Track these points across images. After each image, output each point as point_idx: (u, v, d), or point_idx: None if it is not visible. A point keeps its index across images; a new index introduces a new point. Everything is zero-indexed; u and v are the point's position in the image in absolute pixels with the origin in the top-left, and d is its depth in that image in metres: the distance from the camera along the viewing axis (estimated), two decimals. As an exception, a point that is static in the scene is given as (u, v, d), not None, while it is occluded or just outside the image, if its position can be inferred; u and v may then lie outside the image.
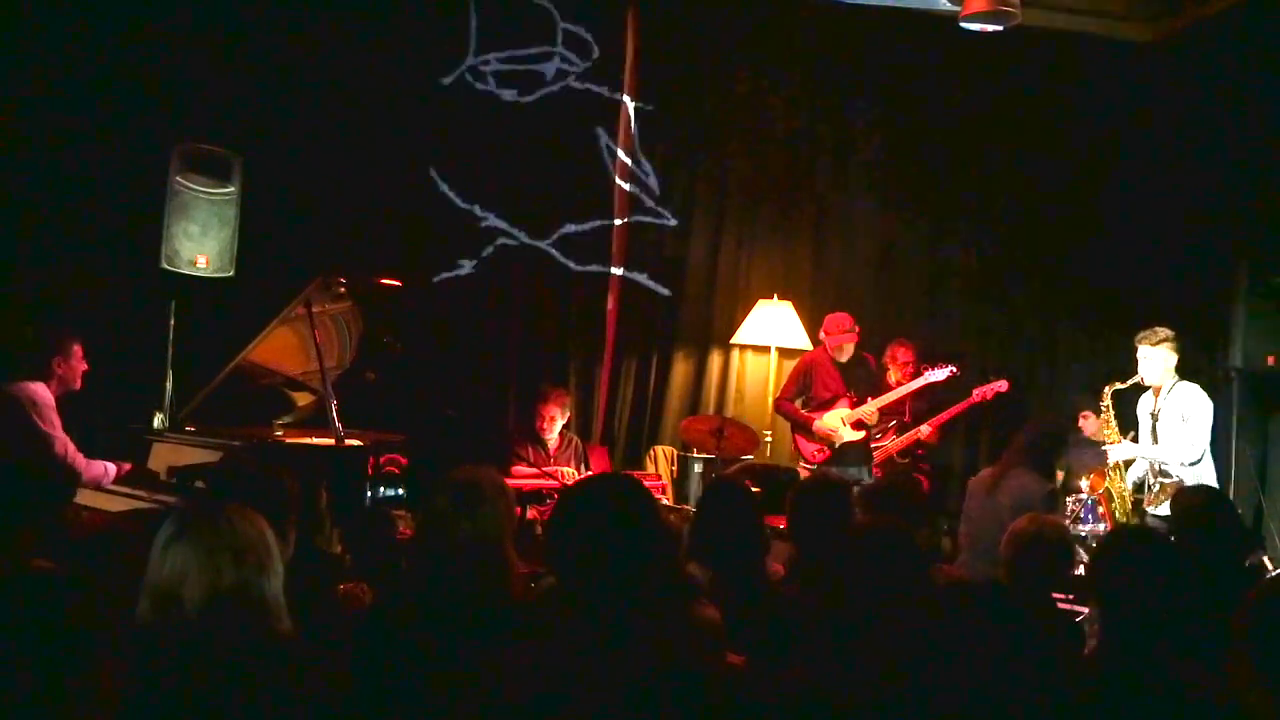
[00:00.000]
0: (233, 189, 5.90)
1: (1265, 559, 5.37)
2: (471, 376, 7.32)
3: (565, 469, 6.54)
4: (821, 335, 7.00)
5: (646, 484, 2.48)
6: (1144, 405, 5.80)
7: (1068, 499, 6.07)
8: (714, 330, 7.80)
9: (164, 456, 4.98)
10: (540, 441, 6.72)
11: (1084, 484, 5.96)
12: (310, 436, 5.18)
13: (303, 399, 5.55)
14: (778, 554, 3.86)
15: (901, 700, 2.03)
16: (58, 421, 4.80)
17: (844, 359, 6.88)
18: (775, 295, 7.49)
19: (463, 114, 7.17)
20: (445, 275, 7.17)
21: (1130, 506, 5.78)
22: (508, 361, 7.44)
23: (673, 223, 7.66)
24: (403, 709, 2.47)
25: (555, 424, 6.72)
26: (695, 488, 7.00)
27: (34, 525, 4.33)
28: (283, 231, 6.42)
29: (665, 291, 7.68)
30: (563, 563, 2.16)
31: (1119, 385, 5.85)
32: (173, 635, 2.13)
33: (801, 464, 6.90)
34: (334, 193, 6.67)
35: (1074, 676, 2.45)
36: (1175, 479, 5.56)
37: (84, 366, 4.99)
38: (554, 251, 7.43)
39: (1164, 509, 5.31)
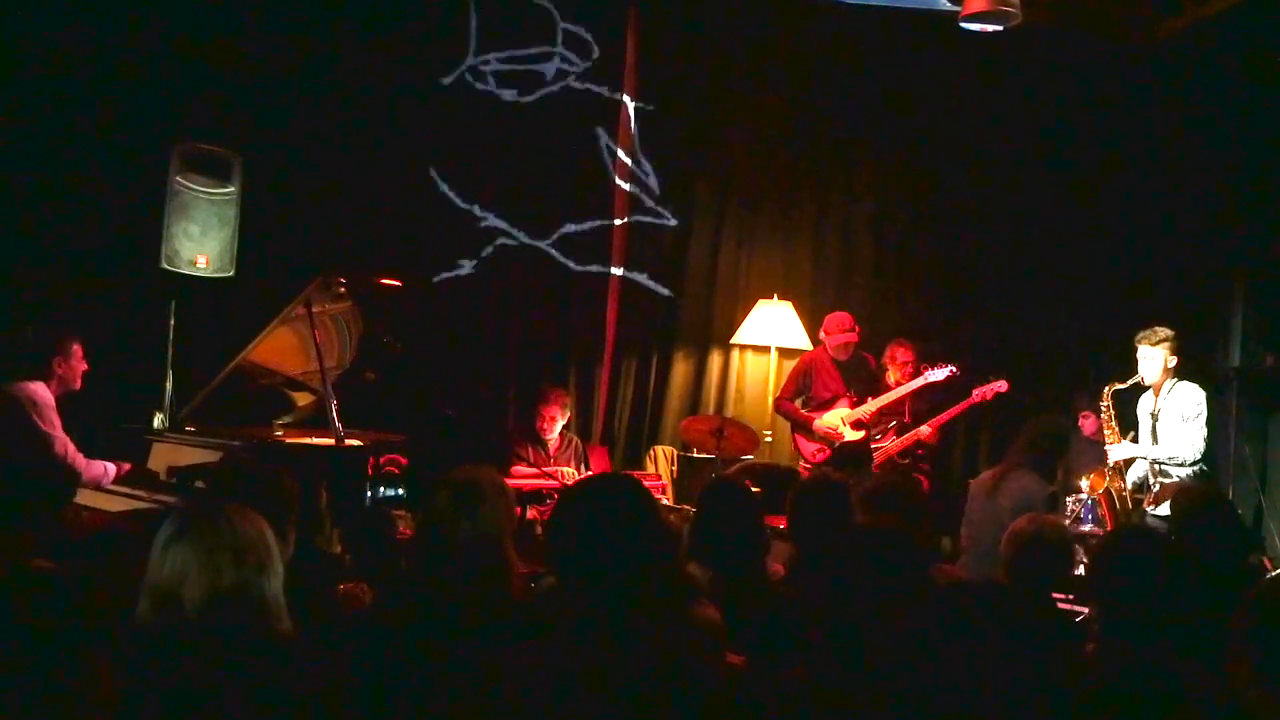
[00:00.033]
0: (233, 189, 5.90)
1: (1265, 559, 5.37)
2: (471, 376, 7.32)
3: (565, 469, 6.54)
4: (821, 335, 7.01)
5: (646, 484, 2.48)
6: (1144, 405, 5.81)
7: (1068, 499, 6.07)
8: (714, 330, 7.79)
9: (164, 456, 4.97)
10: (540, 441, 6.72)
11: (1084, 484, 5.96)
12: (310, 436, 5.18)
13: (303, 399, 5.55)
14: (778, 554, 3.86)
15: (901, 700, 2.03)
16: (58, 421, 4.79)
17: (844, 359, 6.89)
18: (775, 295, 7.48)
19: (463, 114, 7.16)
20: (445, 275, 7.17)
21: (1130, 506, 5.78)
22: (508, 361, 7.44)
23: (673, 223, 7.66)
24: (403, 709, 2.47)
25: (555, 424, 6.73)
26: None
27: (34, 525, 4.34)
28: (283, 231, 6.41)
29: (665, 291, 7.68)
30: (563, 563, 2.16)
31: (1119, 385, 5.85)
32: (173, 635, 2.13)
33: (801, 464, 6.91)
34: (334, 193, 6.67)
35: (1074, 676, 2.45)
36: (1175, 479, 5.56)
37: (84, 366, 4.99)
38: (554, 251, 7.42)
39: (1164, 509, 5.31)
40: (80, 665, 2.03)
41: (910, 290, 7.99)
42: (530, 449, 6.62)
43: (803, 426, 6.88)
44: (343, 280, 5.26)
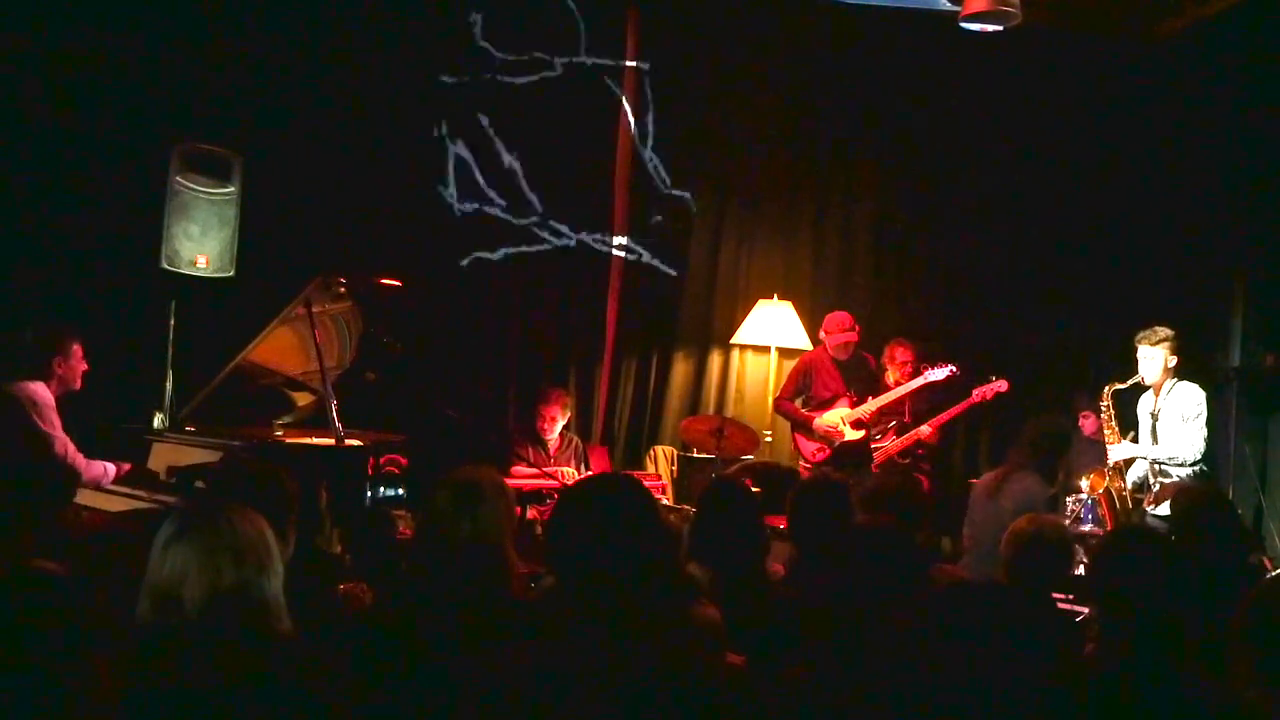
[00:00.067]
0: (233, 189, 5.90)
1: (1265, 559, 5.37)
2: (471, 376, 7.32)
3: (565, 469, 6.54)
4: (821, 335, 7.01)
5: (646, 484, 2.48)
6: (1144, 405, 5.81)
7: (1068, 499, 6.07)
8: (714, 330, 7.80)
9: (164, 456, 4.97)
10: (540, 442, 6.72)
11: (1084, 484, 5.96)
12: (310, 436, 5.17)
13: (303, 399, 5.55)
14: (778, 554, 3.86)
15: (901, 700, 2.03)
16: (58, 421, 4.79)
17: (844, 358, 6.89)
18: (775, 295, 7.49)
19: (463, 114, 7.17)
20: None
21: (1130, 506, 5.78)
22: (508, 361, 7.44)
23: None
24: (403, 709, 2.47)
25: (556, 424, 6.73)
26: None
27: (34, 525, 4.34)
28: (283, 231, 6.41)
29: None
30: (563, 563, 2.16)
31: (1119, 385, 5.85)
32: (173, 635, 2.13)
33: (801, 463, 6.91)
34: (334, 193, 6.67)
35: (1074, 676, 2.45)
36: (1175, 479, 5.56)
37: (84, 366, 4.99)
38: (554, 251, 7.42)
39: (1164, 509, 5.31)
40: (80, 665, 2.03)
41: (910, 290, 7.99)
42: (530, 449, 6.62)
43: (803, 426, 6.88)
44: (343, 280, 5.26)
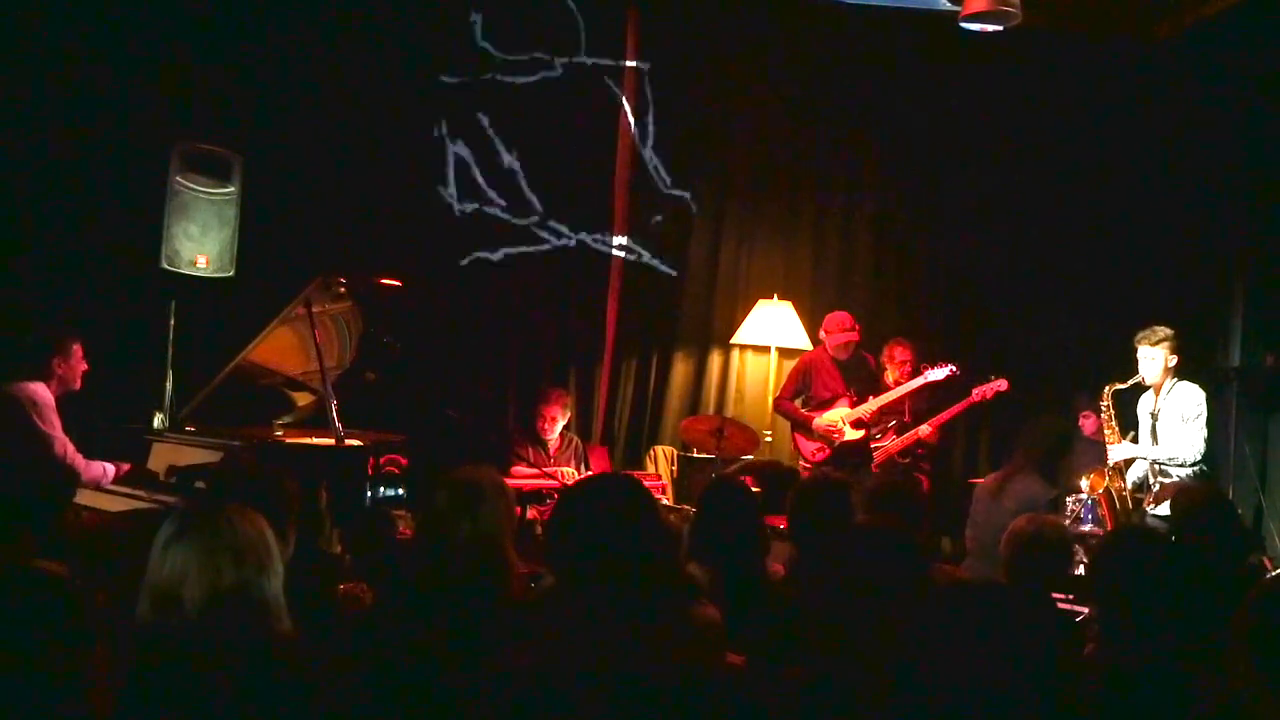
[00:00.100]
0: (233, 189, 5.90)
1: (1265, 559, 5.36)
2: (471, 376, 7.32)
3: (565, 469, 6.54)
4: (821, 335, 7.00)
5: (646, 484, 2.48)
6: (1144, 405, 5.81)
7: (1068, 499, 6.07)
8: (714, 330, 7.79)
9: (164, 456, 4.97)
10: (540, 442, 6.72)
11: (1084, 484, 5.96)
12: (310, 436, 5.18)
13: (303, 399, 5.55)
14: (778, 554, 3.86)
15: (901, 700, 2.03)
16: (57, 422, 4.80)
17: (844, 358, 6.89)
18: (775, 295, 7.49)
19: (463, 114, 7.17)
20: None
21: (1130, 506, 5.78)
22: (508, 361, 7.44)
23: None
24: (403, 709, 2.47)
25: (556, 424, 6.73)
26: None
27: (34, 525, 4.34)
28: (283, 231, 6.42)
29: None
30: (563, 563, 2.16)
31: (1119, 385, 5.85)
32: (173, 635, 2.13)
33: (801, 463, 6.91)
34: (334, 193, 6.67)
35: (1074, 676, 2.45)
36: (1175, 479, 5.56)
37: (84, 366, 4.99)
38: (554, 251, 7.42)
39: (1164, 509, 5.31)
40: (80, 665, 2.03)
41: (910, 290, 7.99)
42: (530, 449, 6.62)
43: (802, 426, 6.88)
44: (343, 280, 5.26)
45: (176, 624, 2.13)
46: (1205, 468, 5.66)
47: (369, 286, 5.47)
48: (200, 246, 5.81)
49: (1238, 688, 2.18)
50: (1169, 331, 5.63)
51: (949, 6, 6.49)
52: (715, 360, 7.82)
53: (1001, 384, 6.70)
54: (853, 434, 6.73)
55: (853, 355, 6.93)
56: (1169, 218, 7.52)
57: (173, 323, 5.84)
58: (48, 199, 6.12)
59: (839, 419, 6.74)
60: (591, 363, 7.57)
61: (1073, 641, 3.13)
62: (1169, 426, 5.65)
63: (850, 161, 7.91)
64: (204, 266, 5.81)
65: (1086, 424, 7.04)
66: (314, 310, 5.06)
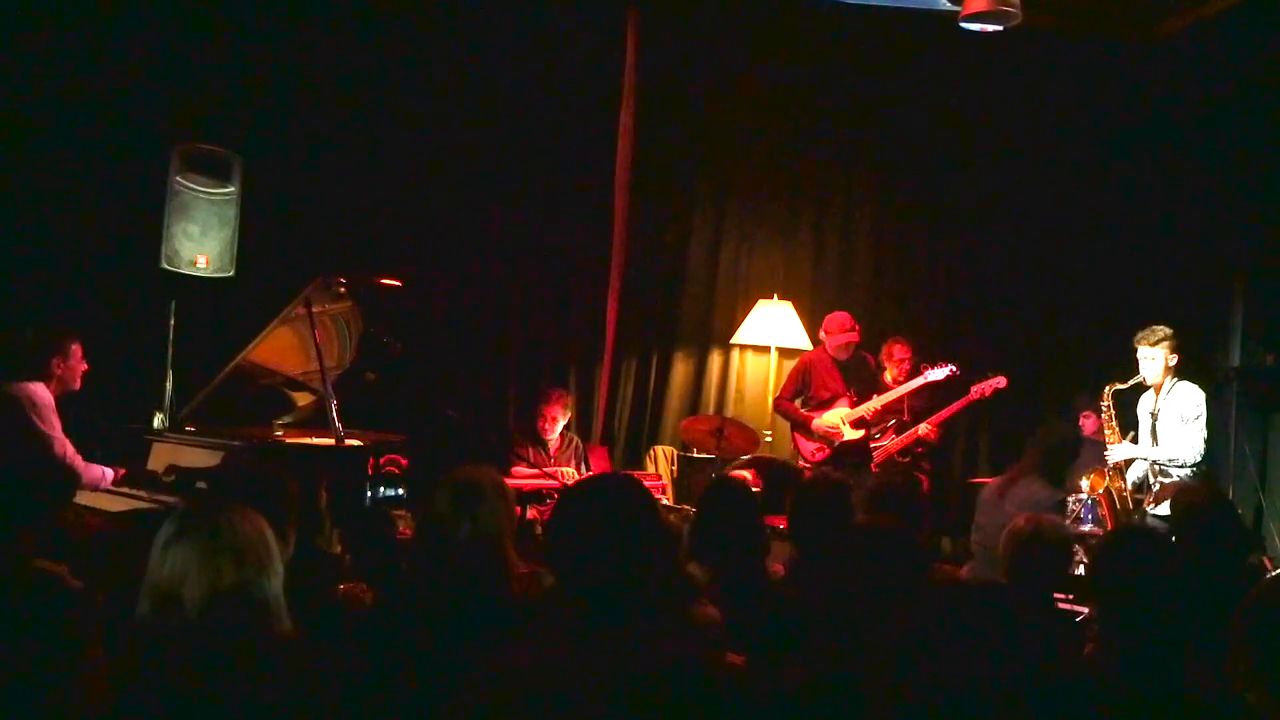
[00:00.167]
0: (233, 189, 5.89)
1: (1265, 559, 5.37)
2: (471, 376, 7.32)
3: (565, 469, 6.55)
4: (821, 335, 7.01)
5: (646, 484, 2.48)
6: (1144, 405, 5.81)
7: (1068, 499, 6.06)
8: (714, 330, 7.80)
9: (164, 456, 4.97)
10: (541, 442, 6.72)
11: (1084, 484, 5.96)
12: (310, 436, 5.17)
13: (303, 399, 5.55)
14: (778, 554, 3.86)
15: (901, 700, 2.03)
16: (57, 422, 4.79)
17: (844, 359, 6.89)
18: (775, 295, 7.49)
19: (463, 113, 7.16)
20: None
21: (1130, 506, 5.78)
22: (508, 361, 7.44)
23: (671, 222, 7.67)
24: (403, 709, 2.47)
25: (556, 424, 6.73)
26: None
27: (33, 526, 4.34)
28: (283, 231, 6.41)
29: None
30: (563, 563, 2.16)
31: (1119, 385, 5.85)
32: (173, 635, 2.13)
33: (801, 463, 6.91)
34: (334, 193, 6.67)
35: (1074, 676, 2.45)
36: (1175, 479, 5.56)
37: (84, 366, 4.99)
38: (554, 251, 7.42)
39: (1164, 509, 5.31)
40: (80, 665, 2.03)
41: (910, 290, 7.99)
42: (531, 449, 6.62)
43: (802, 426, 6.88)
44: (343, 280, 5.25)
45: (176, 624, 2.13)
46: (1205, 467, 5.66)
47: (369, 286, 5.46)
48: (200, 246, 5.80)
49: (1238, 688, 2.18)
50: (1168, 331, 5.63)
51: (949, 6, 6.48)
52: (715, 360, 7.82)
53: (1000, 381, 6.70)
54: (852, 434, 6.73)
55: (853, 355, 6.93)
56: (1169, 218, 7.52)
57: (173, 323, 5.84)
58: (48, 199, 6.12)
59: (838, 419, 6.74)
60: (591, 363, 7.57)
61: (1073, 641, 3.13)
62: (1169, 427, 5.65)
63: (850, 161, 7.91)
64: (204, 266, 5.81)
65: (1087, 424, 7.04)
66: (314, 310, 5.05)
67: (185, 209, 5.78)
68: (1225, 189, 7.39)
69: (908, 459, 6.86)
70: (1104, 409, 5.91)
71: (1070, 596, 3.83)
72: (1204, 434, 5.61)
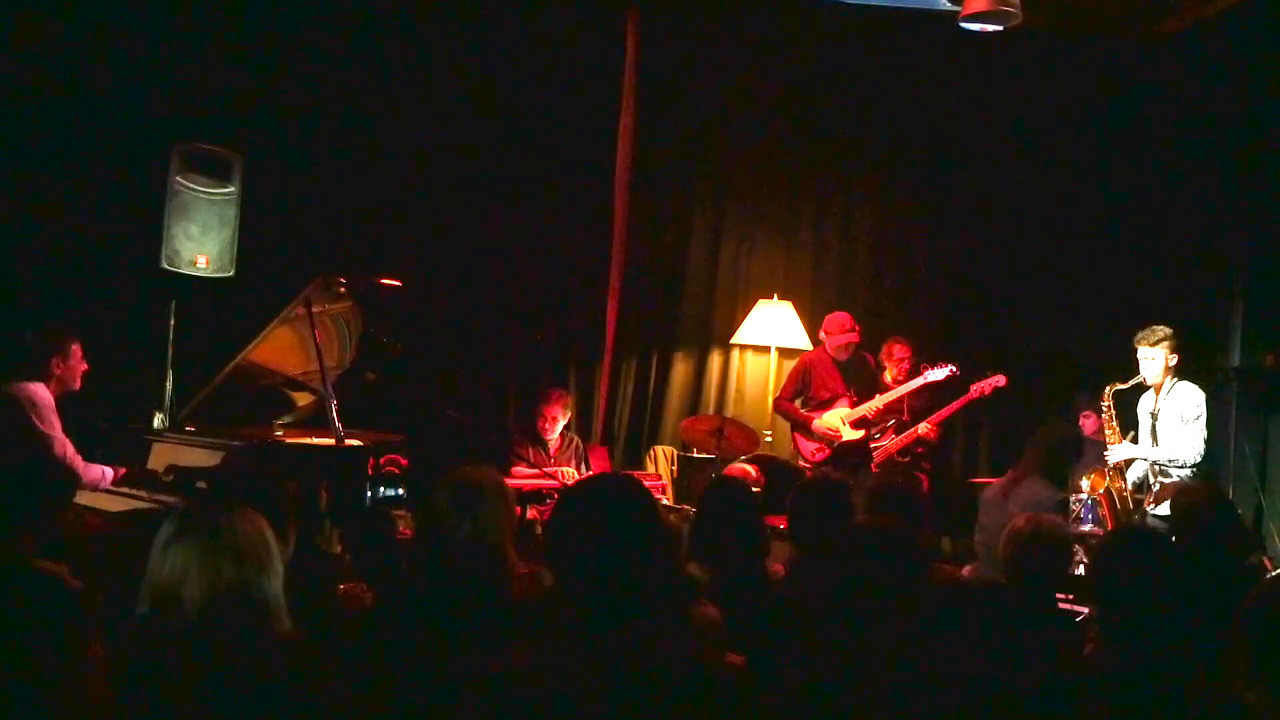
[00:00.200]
0: (233, 189, 5.89)
1: (1265, 559, 5.36)
2: (471, 376, 7.32)
3: (565, 469, 6.54)
4: (821, 335, 7.01)
5: (646, 484, 2.48)
6: (1144, 405, 5.81)
7: (1070, 499, 6.06)
8: (714, 330, 7.80)
9: (164, 456, 4.97)
10: (541, 442, 6.72)
11: (1084, 484, 5.96)
12: (310, 436, 5.17)
13: (303, 399, 5.54)
14: (778, 554, 3.86)
15: (901, 700, 2.03)
16: (57, 423, 4.79)
17: (844, 359, 6.89)
18: (775, 295, 7.49)
19: (463, 113, 7.16)
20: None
21: (1130, 506, 5.78)
22: (508, 361, 7.44)
23: (671, 222, 7.67)
24: (403, 709, 2.47)
25: (557, 424, 6.73)
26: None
27: (33, 526, 4.34)
28: (283, 231, 6.41)
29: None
30: (563, 563, 2.16)
31: (1119, 385, 5.85)
32: (173, 635, 2.13)
33: (801, 463, 6.91)
34: (334, 193, 6.67)
35: (1074, 676, 2.45)
36: (1175, 479, 5.56)
37: (83, 366, 4.99)
38: (554, 251, 7.42)
39: (1164, 509, 5.31)
40: (80, 665, 2.03)
41: (910, 290, 7.99)
42: (531, 449, 6.62)
43: (802, 426, 6.88)
44: (343, 280, 5.25)
45: (176, 624, 2.13)
46: (1206, 466, 5.66)
47: (369, 286, 5.46)
48: (200, 246, 5.80)
49: (1238, 688, 2.18)
50: (1168, 331, 5.63)
51: (949, 6, 6.48)
52: (715, 360, 7.82)
53: (999, 379, 6.70)
54: (851, 434, 6.73)
55: (853, 356, 6.93)
56: (1169, 217, 7.52)
57: (173, 323, 5.84)
58: (48, 199, 6.12)
59: (838, 420, 6.74)
60: (591, 363, 7.57)
61: (1073, 641, 3.14)
62: (1168, 427, 5.65)
63: (850, 161, 7.91)
64: (204, 266, 5.81)
65: (1087, 424, 7.04)
66: (314, 310, 5.05)
67: (185, 209, 5.78)
68: (1225, 189, 7.38)
69: (908, 459, 6.86)
70: (1104, 409, 5.91)
71: (1070, 596, 3.83)
72: (1204, 434, 5.61)
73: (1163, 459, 5.64)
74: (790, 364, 7.25)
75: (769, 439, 7.23)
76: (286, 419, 5.52)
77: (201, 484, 4.46)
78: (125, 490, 4.83)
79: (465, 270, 7.24)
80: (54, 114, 6.12)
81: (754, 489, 5.36)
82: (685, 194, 7.74)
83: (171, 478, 4.79)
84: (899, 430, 6.85)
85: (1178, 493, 4.69)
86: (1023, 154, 7.76)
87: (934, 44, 7.29)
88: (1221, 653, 2.29)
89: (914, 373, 6.80)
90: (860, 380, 6.90)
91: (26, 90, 6.09)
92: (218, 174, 5.85)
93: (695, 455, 7.20)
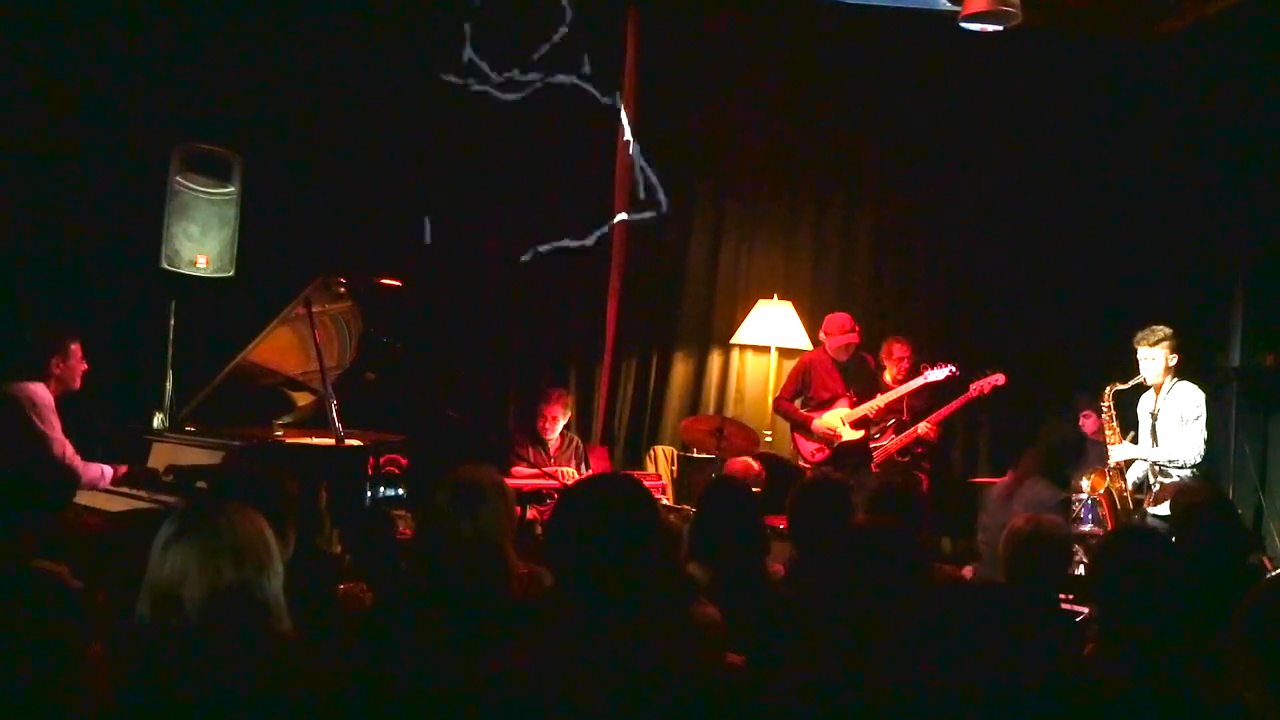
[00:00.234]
0: (233, 189, 5.90)
1: (1265, 559, 5.36)
2: (471, 376, 7.32)
3: (565, 469, 6.54)
4: (821, 335, 7.01)
5: (646, 484, 2.48)
6: (1144, 405, 5.81)
7: (1071, 498, 6.07)
8: (714, 330, 7.80)
9: (164, 456, 4.97)
10: (541, 441, 6.72)
11: (1084, 484, 5.96)
12: (310, 436, 5.17)
13: (303, 399, 5.55)
14: (778, 554, 3.86)
15: (901, 700, 2.03)
16: (57, 423, 4.79)
17: (844, 359, 6.89)
18: (775, 295, 7.49)
19: (462, 114, 7.16)
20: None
21: (1130, 506, 5.78)
22: (508, 361, 7.44)
23: (671, 222, 7.67)
24: (403, 709, 2.47)
25: (556, 424, 6.73)
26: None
27: (33, 526, 4.35)
28: (283, 231, 6.42)
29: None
30: (563, 563, 2.16)
31: (1120, 386, 5.85)
32: (173, 635, 2.13)
33: (801, 463, 6.91)
34: (334, 193, 6.67)
35: (1074, 676, 2.45)
36: (1175, 479, 5.56)
37: (83, 366, 4.99)
38: (554, 251, 7.42)
39: (1164, 509, 5.31)
40: (80, 665, 2.03)
41: (910, 290, 7.99)
42: (531, 449, 6.62)
43: (802, 426, 6.88)
44: (343, 280, 5.26)
45: (176, 624, 2.13)
46: (1206, 466, 5.66)
47: (369, 286, 5.46)
48: (200, 246, 5.81)
49: (1238, 688, 2.18)
50: (1168, 331, 5.63)
51: (949, 6, 6.48)
52: (715, 360, 7.82)
53: (999, 378, 6.69)
54: (851, 435, 6.73)
55: (853, 356, 6.93)
56: (1169, 218, 7.52)
57: (173, 323, 5.84)
58: (48, 199, 6.12)
59: (838, 420, 6.74)
60: (591, 363, 7.57)
61: (1073, 641, 3.13)
62: (1168, 427, 5.65)
63: (850, 161, 7.91)
64: (204, 266, 5.81)
65: (1087, 424, 7.04)
66: (314, 310, 5.05)
67: (185, 209, 5.78)
68: (1225, 189, 7.38)
69: (908, 459, 6.86)
70: (1104, 409, 5.91)
71: (1070, 596, 3.83)
72: (1204, 434, 5.61)
73: (1163, 459, 5.64)
74: (790, 364, 7.25)
75: (769, 439, 7.23)
76: (286, 419, 5.52)
77: (201, 484, 4.47)
78: (125, 490, 4.83)
79: (465, 270, 7.24)
80: (54, 114, 6.12)
81: (755, 487, 5.38)
82: (685, 194, 7.74)
83: (171, 478, 4.79)
84: (899, 430, 6.85)
85: (1178, 493, 4.69)
86: (1023, 154, 7.76)
87: (934, 44, 7.30)
88: (1221, 653, 2.29)
89: (914, 372, 6.80)
90: (860, 380, 6.90)
91: (27, 90, 6.09)
92: (218, 174, 5.86)
93: (695, 455, 7.20)
